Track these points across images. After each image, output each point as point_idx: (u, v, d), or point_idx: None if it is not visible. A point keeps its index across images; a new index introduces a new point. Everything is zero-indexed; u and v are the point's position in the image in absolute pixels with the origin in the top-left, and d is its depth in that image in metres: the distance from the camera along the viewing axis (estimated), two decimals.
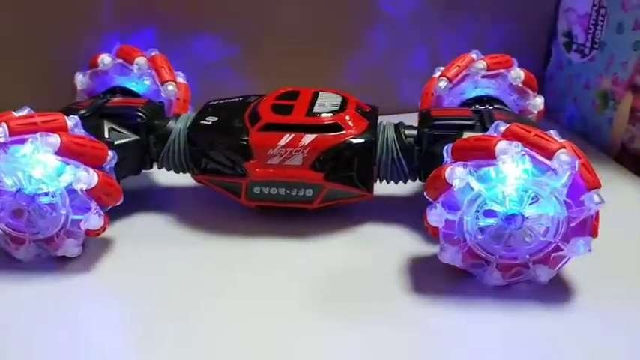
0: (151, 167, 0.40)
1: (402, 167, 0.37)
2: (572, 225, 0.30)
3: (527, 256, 0.31)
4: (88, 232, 0.33)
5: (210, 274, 0.34)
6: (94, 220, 0.32)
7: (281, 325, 0.30)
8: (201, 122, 0.37)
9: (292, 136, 0.35)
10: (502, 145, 0.29)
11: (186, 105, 0.43)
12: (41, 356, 0.28)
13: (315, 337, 0.30)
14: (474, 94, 0.43)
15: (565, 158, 0.29)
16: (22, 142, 0.31)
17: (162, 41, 0.50)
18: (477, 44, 0.45)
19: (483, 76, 0.42)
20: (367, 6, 0.53)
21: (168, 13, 0.50)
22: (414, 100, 0.45)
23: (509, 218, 0.30)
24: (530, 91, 0.43)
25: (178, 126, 0.38)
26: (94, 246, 0.36)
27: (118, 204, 0.34)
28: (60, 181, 0.32)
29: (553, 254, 0.31)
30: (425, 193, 0.32)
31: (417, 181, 0.38)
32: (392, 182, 0.38)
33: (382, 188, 0.38)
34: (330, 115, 0.36)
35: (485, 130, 0.33)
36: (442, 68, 0.43)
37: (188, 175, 0.39)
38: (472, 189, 0.30)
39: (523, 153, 0.29)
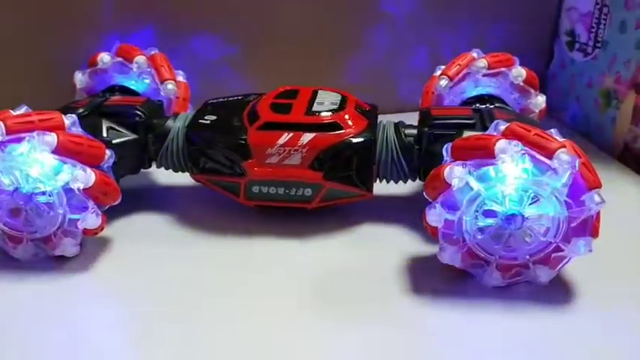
0: (150, 166, 0.39)
1: (402, 166, 0.37)
2: (572, 225, 0.30)
3: (528, 257, 0.31)
4: (85, 232, 0.33)
5: (209, 274, 0.34)
6: (91, 219, 0.32)
7: (279, 324, 0.30)
8: (200, 121, 0.37)
9: (291, 134, 0.35)
10: (502, 144, 0.29)
11: (186, 104, 0.43)
12: (39, 356, 0.28)
13: (313, 337, 0.29)
14: (474, 92, 0.42)
15: (565, 157, 0.29)
16: (19, 140, 0.31)
17: (163, 40, 0.50)
18: (479, 44, 0.45)
19: (484, 75, 0.42)
20: (367, 6, 0.53)
21: (169, 12, 0.50)
22: (414, 99, 0.45)
23: (509, 218, 0.30)
24: (532, 90, 0.42)
25: (177, 125, 0.38)
26: (93, 245, 0.35)
27: (116, 203, 0.34)
28: (57, 180, 0.31)
29: (553, 255, 0.30)
30: (424, 193, 0.31)
31: (417, 180, 0.38)
32: (392, 182, 0.38)
33: (382, 188, 0.38)
34: (329, 113, 0.36)
35: (486, 129, 0.33)
36: (443, 67, 0.43)
37: (187, 174, 0.38)
38: (471, 188, 0.30)
39: (523, 152, 0.29)
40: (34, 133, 0.31)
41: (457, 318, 0.30)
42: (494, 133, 0.30)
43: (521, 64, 0.43)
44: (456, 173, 0.29)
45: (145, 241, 0.36)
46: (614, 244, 0.33)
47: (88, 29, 0.48)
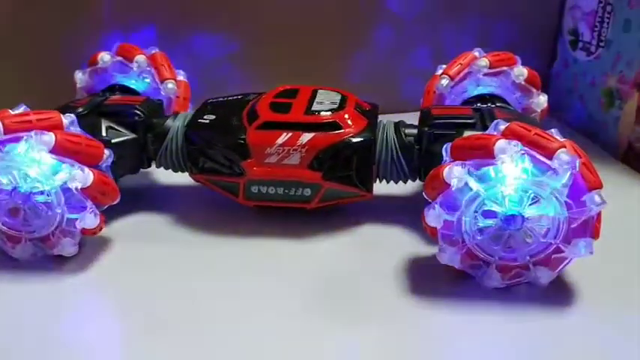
0: (149, 166, 0.39)
1: (402, 166, 0.36)
2: (573, 226, 0.29)
3: (528, 258, 0.30)
4: (84, 231, 0.33)
5: (209, 274, 0.34)
6: (89, 219, 0.32)
7: (279, 325, 0.30)
8: (199, 120, 0.37)
9: (290, 134, 0.35)
10: (501, 143, 0.29)
11: (187, 103, 0.43)
12: (37, 356, 0.28)
13: (312, 337, 0.29)
14: (476, 92, 0.42)
15: (565, 157, 0.28)
16: (17, 140, 0.31)
17: (163, 39, 0.50)
18: (482, 42, 0.45)
19: (486, 74, 0.42)
20: (371, 4, 0.52)
21: (169, 11, 0.50)
22: (417, 98, 0.45)
23: (509, 219, 0.29)
24: (534, 89, 0.42)
25: (176, 124, 0.38)
26: (91, 245, 0.35)
27: (114, 203, 0.34)
28: (55, 180, 0.31)
29: (554, 256, 0.30)
30: (424, 193, 0.31)
31: (417, 180, 0.37)
32: (391, 182, 0.38)
33: (382, 188, 0.38)
34: (328, 113, 0.36)
35: (486, 128, 0.33)
36: (444, 66, 0.43)
37: (187, 174, 0.38)
38: (471, 189, 0.29)
39: (523, 152, 0.29)
40: (32, 133, 0.31)
41: (457, 319, 0.30)
42: (494, 133, 0.30)
43: (523, 64, 0.42)
44: (455, 173, 0.29)
45: (145, 241, 0.36)
46: (616, 245, 0.33)
47: (89, 28, 0.48)
